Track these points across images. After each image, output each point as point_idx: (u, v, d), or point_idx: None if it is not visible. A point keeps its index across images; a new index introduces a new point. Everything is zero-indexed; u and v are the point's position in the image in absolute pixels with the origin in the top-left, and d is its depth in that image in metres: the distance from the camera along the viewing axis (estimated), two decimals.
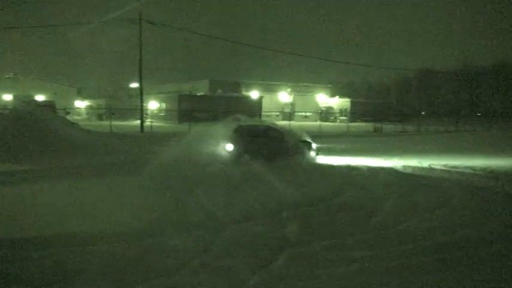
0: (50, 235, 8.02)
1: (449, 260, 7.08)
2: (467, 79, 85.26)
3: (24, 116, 21.45)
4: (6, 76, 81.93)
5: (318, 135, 34.26)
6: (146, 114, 51.37)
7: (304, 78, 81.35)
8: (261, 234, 8.48)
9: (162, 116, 62.12)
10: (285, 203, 10.84)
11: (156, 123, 47.86)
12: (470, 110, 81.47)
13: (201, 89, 71.36)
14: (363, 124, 59.42)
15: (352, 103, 77.05)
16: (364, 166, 18.07)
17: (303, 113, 72.82)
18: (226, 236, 8.34)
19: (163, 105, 64.64)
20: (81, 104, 79.71)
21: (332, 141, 32.58)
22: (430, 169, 17.68)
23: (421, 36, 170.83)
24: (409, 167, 18.28)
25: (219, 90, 70.06)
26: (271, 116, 67.41)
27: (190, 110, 53.35)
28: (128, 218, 9.33)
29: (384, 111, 69.85)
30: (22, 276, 6.31)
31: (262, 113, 64.83)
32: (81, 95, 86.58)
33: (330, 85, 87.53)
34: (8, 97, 69.01)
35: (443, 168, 17.82)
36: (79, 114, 73.64)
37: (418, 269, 6.68)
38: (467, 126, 58.15)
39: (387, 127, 52.80)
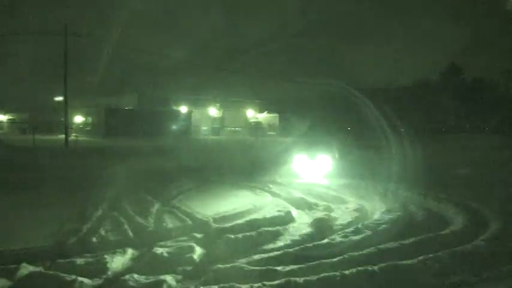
0: None
1: None
2: (390, 96, 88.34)
3: None
4: None
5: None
6: (71, 128, 50.13)
7: (233, 93, 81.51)
8: None
9: (89, 130, 60.78)
10: None
11: (81, 138, 46.82)
12: (395, 126, 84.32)
13: (129, 103, 70.30)
14: (291, 139, 60.29)
15: (280, 118, 78.23)
16: None
17: (232, 128, 73.26)
18: None
19: (90, 119, 63.30)
20: (2, 118, 76.80)
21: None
22: None
23: (346, 55, 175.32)
24: None
25: (148, 105, 69.38)
26: (200, 130, 67.36)
27: (117, 124, 52.54)
28: None
29: (312, 126, 71.10)
30: None
31: (192, 128, 64.68)
32: (3, 108, 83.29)
33: (259, 100, 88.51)
34: None
35: None
36: (0, 128, 70.94)
37: None
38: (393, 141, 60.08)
39: None
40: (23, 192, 15.10)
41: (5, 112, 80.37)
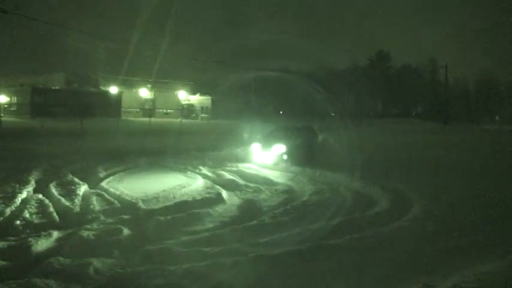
0: None
1: None
2: (321, 81, 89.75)
3: None
4: None
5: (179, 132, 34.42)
6: None
7: (166, 74, 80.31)
8: None
9: (14, 110, 58.39)
10: None
11: (6, 118, 44.98)
12: (325, 110, 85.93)
13: (56, 82, 67.99)
14: (224, 121, 60.40)
15: (213, 101, 77.99)
16: None
17: (164, 110, 72.39)
18: None
19: (15, 98, 60.83)
20: None
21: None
22: None
23: (280, 39, 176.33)
24: None
25: (75, 84, 67.38)
26: (131, 112, 66.16)
27: (44, 105, 50.81)
28: None
29: (244, 109, 71.40)
30: None
31: (122, 109, 63.41)
32: None
33: (192, 82, 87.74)
34: None
35: None
36: None
37: None
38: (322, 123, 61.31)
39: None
40: None
41: None
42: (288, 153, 19.43)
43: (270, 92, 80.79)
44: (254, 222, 9.77)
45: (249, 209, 11.13)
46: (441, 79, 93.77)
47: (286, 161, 19.20)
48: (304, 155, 19.62)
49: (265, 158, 19.70)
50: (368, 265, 7.23)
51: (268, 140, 20.69)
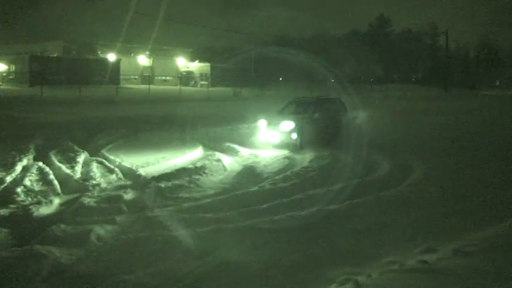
0: None
1: None
2: (322, 47, 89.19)
3: None
4: None
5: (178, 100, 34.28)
6: None
7: (164, 41, 79.66)
8: None
9: (12, 78, 58.05)
10: None
11: (4, 87, 44.77)
12: (325, 77, 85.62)
13: (54, 50, 67.46)
14: (223, 89, 60.18)
15: (212, 67, 77.51)
16: None
17: (163, 77, 72.02)
18: None
19: (13, 67, 60.41)
20: None
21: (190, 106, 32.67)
22: None
23: (277, 3, 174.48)
24: None
25: (73, 52, 66.86)
26: (130, 79, 65.83)
27: (42, 73, 50.49)
28: None
29: (244, 76, 71.05)
30: None
31: (121, 77, 63.06)
32: None
33: (191, 49, 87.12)
34: None
35: None
36: None
37: None
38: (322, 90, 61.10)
39: (246, 92, 54.00)
40: None
41: None
42: (298, 131, 15.66)
43: (269, 59, 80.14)
44: None
45: None
46: (442, 44, 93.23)
47: (294, 142, 15.63)
48: (321, 134, 16.59)
49: (271, 137, 16.06)
50: None
51: (277, 115, 17.15)
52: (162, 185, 9.68)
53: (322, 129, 16.80)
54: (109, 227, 7.31)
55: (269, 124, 16.30)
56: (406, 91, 65.23)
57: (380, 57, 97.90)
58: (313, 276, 5.67)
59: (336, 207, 8.18)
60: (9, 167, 10.92)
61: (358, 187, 9.78)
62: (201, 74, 78.08)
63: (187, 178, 10.47)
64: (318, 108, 17.43)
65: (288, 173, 11.29)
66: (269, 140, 16.08)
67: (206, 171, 11.44)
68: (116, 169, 11.30)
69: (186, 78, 76.26)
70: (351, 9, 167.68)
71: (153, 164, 12.17)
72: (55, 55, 63.70)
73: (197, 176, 10.79)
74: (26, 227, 7.42)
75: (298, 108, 17.85)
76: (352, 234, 7.09)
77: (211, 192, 9.73)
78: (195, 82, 76.03)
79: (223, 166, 12.32)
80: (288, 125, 15.81)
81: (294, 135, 15.57)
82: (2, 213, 7.81)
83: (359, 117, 20.08)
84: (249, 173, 11.62)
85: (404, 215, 7.97)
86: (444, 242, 6.53)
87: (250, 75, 73.17)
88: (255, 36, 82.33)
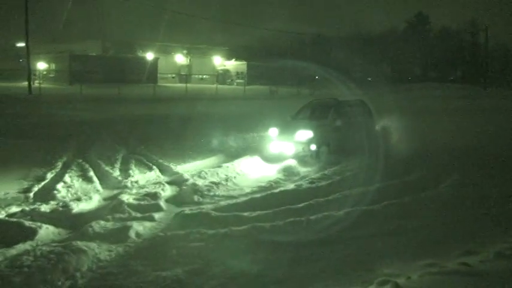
0: None
1: None
2: (359, 45, 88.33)
3: None
4: None
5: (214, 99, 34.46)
6: (35, 75, 48.84)
7: (201, 39, 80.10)
8: None
9: (52, 77, 59.23)
10: None
11: (45, 85, 45.71)
12: (363, 75, 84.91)
13: (93, 49, 68.58)
14: (260, 87, 60.18)
15: (249, 66, 77.56)
16: None
17: (200, 76, 72.46)
18: None
19: (53, 65, 61.63)
20: None
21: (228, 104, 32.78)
22: None
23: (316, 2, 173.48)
24: None
25: (112, 51, 67.82)
26: (167, 78, 66.43)
27: (82, 71, 51.39)
28: None
29: (280, 75, 70.91)
30: None
31: (158, 75, 63.69)
32: None
33: (227, 47, 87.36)
34: None
35: None
36: None
37: None
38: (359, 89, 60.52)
39: (283, 90, 53.89)
40: None
41: None
42: (318, 141, 13.36)
43: (306, 57, 79.84)
44: None
45: None
46: (481, 42, 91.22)
47: (314, 155, 13.30)
48: (343, 145, 14.24)
49: (283, 148, 13.47)
50: None
51: (291, 122, 14.80)
52: (200, 183, 9.73)
53: (345, 139, 14.29)
54: (147, 224, 7.41)
55: (282, 133, 13.78)
56: (443, 90, 64.06)
57: (418, 56, 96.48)
58: (352, 278, 5.61)
59: None
60: (50, 164, 11.15)
61: None
62: (238, 72, 78.21)
63: (224, 176, 10.51)
64: (339, 113, 14.67)
65: None
66: (282, 151, 13.40)
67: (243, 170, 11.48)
68: (154, 166, 11.41)
69: (223, 76, 76.53)
70: (388, 6, 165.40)
71: (189, 162, 12.25)
72: (94, 54, 64.74)
73: (234, 174, 10.82)
74: (66, 223, 7.55)
75: (314, 113, 15.36)
76: None
77: (248, 190, 9.76)
78: (232, 80, 76.23)
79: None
80: (305, 134, 13.39)
81: (313, 147, 13.20)
82: (42, 210, 7.96)
83: (386, 123, 17.32)
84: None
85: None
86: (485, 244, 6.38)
87: (286, 74, 72.99)
88: (292, 34, 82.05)
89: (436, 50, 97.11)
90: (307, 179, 10.58)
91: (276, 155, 13.27)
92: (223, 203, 8.66)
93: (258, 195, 9.17)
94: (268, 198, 8.82)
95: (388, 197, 8.63)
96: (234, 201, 8.81)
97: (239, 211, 7.96)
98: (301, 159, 13.15)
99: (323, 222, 7.32)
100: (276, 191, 9.41)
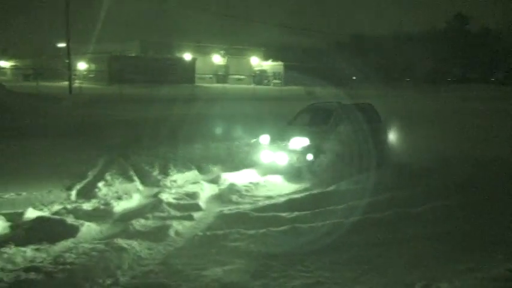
0: None
1: None
2: (396, 46, 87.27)
3: None
4: None
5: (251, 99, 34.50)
6: (75, 75, 49.78)
7: (238, 40, 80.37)
8: None
9: (92, 77, 60.28)
10: None
11: (85, 85, 46.52)
12: (401, 75, 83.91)
13: (132, 49, 69.44)
14: (296, 87, 60.00)
15: (285, 66, 77.39)
16: None
17: (237, 76, 72.67)
18: None
19: (93, 66, 62.70)
20: (5, 64, 76.04)
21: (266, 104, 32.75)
22: None
23: (354, 1, 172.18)
24: None
25: (151, 52, 68.57)
26: (204, 78, 66.83)
27: (121, 72, 52.10)
28: None
29: (317, 75, 70.63)
30: None
31: (196, 76, 64.16)
32: (7, 54, 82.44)
33: (264, 48, 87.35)
34: None
35: None
36: (3, 74, 70.34)
37: None
38: (396, 90, 59.76)
39: (320, 91, 53.54)
40: (28, 139, 15.04)
41: (8, 58, 79.60)
42: (315, 151, 11.56)
43: (343, 57, 79.22)
44: None
45: None
46: None
47: (309, 165, 11.49)
48: (345, 155, 11.85)
49: (275, 158, 11.77)
50: None
51: (286, 128, 13.07)
52: (239, 183, 9.74)
53: (347, 149, 12.05)
54: (187, 223, 7.45)
55: (274, 140, 12.01)
56: (485, 91, 62.69)
57: (458, 56, 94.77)
58: (392, 280, 5.53)
59: None
60: (90, 162, 11.32)
61: None
62: (274, 73, 78.13)
63: (262, 176, 10.50)
64: (341, 118, 12.82)
65: None
66: (274, 161, 11.77)
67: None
68: (193, 166, 11.45)
69: (260, 77, 76.58)
70: (427, 7, 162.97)
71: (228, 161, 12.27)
72: (133, 55, 65.60)
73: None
74: (107, 221, 7.66)
75: (314, 119, 13.45)
76: None
77: (287, 191, 9.73)
78: (268, 81, 76.20)
79: None
80: (300, 141, 11.60)
81: (310, 156, 11.43)
82: (84, 207, 8.08)
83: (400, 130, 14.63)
84: None
85: None
86: None
87: (323, 75, 72.65)
88: (329, 35, 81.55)
89: (476, 50, 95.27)
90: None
91: (267, 166, 11.73)
92: (261, 203, 8.64)
93: None
94: None
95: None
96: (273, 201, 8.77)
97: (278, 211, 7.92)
98: (295, 171, 11.43)
99: None
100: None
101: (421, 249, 6.43)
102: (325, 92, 53.12)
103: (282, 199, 8.98)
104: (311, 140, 11.54)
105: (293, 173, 11.38)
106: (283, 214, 7.73)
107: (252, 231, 6.81)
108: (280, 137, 12.02)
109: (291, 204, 8.54)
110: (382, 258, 6.17)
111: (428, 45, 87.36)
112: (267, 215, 7.77)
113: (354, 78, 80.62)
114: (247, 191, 9.54)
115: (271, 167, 11.61)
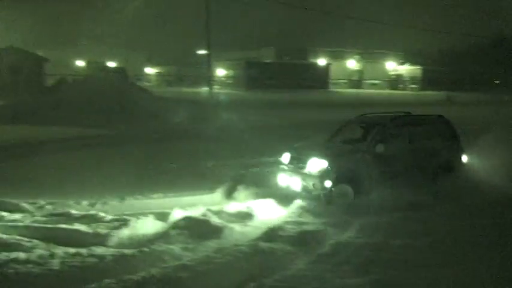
0: None
1: None
2: None
3: (99, 82, 22.13)
4: (79, 43, 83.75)
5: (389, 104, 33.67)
6: (214, 81, 51.75)
7: (373, 44, 78.94)
8: None
9: (230, 83, 62.37)
10: None
11: (224, 90, 48.19)
12: None
13: (267, 56, 70.89)
14: (434, 93, 57.67)
15: (424, 70, 74.69)
16: None
17: (371, 81, 71.44)
18: None
19: (231, 72, 64.82)
20: (150, 71, 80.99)
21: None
22: None
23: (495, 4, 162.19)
24: None
25: (285, 57, 69.48)
26: (338, 84, 66.46)
27: (257, 78, 53.29)
28: None
29: (457, 80, 67.42)
30: None
31: (330, 81, 64.04)
32: (151, 61, 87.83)
33: (401, 52, 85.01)
34: (80, 63, 70.52)
35: None
36: (148, 80, 74.91)
37: None
38: None
39: (460, 96, 50.91)
40: (173, 142, 15.81)
41: (153, 65, 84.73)
42: (335, 176, 9.04)
43: (486, 61, 74.84)
44: None
45: None
46: None
47: (329, 196, 9.05)
48: (388, 184, 9.30)
49: (291, 182, 9.53)
50: None
51: (312, 146, 10.52)
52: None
53: (394, 176, 9.56)
54: (330, 230, 7.46)
55: (293, 160, 9.84)
56: None
57: None
58: None
59: None
60: (236, 165, 11.72)
61: None
62: (411, 78, 75.77)
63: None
64: (385, 135, 9.85)
65: None
66: (290, 186, 9.56)
67: None
68: None
69: (395, 81, 74.72)
70: None
71: None
72: (268, 61, 66.91)
73: None
74: (248, 224, 7.89)
75: (353, 135, 11.20)
76: None
77: None
78: (404, 86, 74.09)
79: None
80: (317, 164, 9.19)
81: (328, 183, 8.94)
82: (228, 210, 8.39)
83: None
84: None
85: None
86: None
87: (463, 79, 69.28)
88: (471, 37, 77.47)
89: None
90: None
91: (284, 190, 9.58)
92: None
93: None
94: None
95: None
96: None
97: None
98: (313, 200, 9.04)
99: None
100: None
101: None
102: (468, 97, 50.48)
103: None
104: (332, 161, 9.10)
105: (310, 201, 8.94)
106: None
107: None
108: (299, 156, 9.74)
109: None
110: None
111: None
112: None
113: (497, 82, 75.84)
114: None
115: (287, 193, 9.43)
